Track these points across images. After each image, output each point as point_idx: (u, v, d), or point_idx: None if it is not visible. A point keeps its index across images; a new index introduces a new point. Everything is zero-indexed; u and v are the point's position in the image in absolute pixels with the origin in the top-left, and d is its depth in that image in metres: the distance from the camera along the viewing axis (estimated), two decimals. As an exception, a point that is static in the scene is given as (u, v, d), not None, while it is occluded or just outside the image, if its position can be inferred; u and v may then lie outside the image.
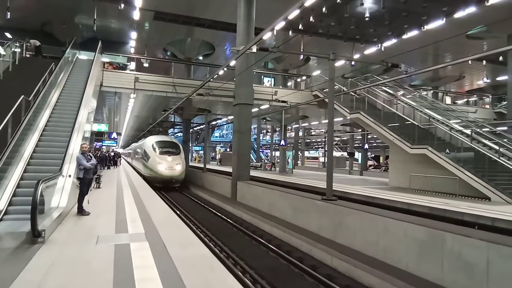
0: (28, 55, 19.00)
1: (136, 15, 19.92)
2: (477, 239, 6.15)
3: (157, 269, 4.43)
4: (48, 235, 5.85)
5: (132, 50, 26.94)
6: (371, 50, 25.38)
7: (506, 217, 8.68)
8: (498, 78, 30.85)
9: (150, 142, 24.92)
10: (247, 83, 17.17)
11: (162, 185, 22.17)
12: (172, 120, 34.90)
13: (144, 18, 21.38)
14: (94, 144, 26.89)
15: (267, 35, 11.22)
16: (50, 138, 10.63)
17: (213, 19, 22.36)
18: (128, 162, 43.13)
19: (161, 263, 4.67)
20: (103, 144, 28.66)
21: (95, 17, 20.57)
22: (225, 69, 17.13)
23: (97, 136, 26.37)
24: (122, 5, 19.14)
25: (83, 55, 21.13)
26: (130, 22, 22.41)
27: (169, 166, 22.40)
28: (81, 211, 7.93)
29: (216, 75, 17.23)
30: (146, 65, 25.92)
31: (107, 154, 29.09)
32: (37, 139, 10.11)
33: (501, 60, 24.38)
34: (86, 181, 8.02)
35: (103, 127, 21.35)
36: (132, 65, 23.65)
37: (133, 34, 24.25)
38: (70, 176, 8.28)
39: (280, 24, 10.20)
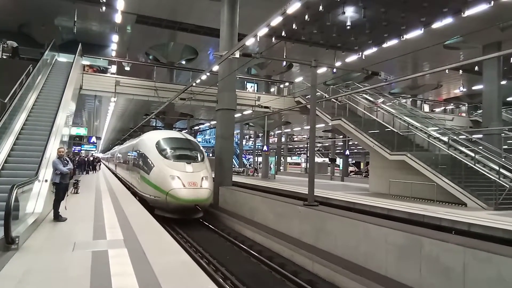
0: (4, 57, 18.48)
1: (118, 18, 19.68)
2: (454, 244, 6.29)
3: (136, 276, 4.33)
4: (22, 241, 5.65)
5: (114, 53, 26.56)
6: (352, 58, 25.86)
7: (482, 222, 8.92)
8: (474, 87, 31.90)
9: (151, 140, 14.92)
10: (230, 89, 17.16)
11: (175, 216, 12.59)
12: (154, 124, 34.52)
13: (126, 21, 21.14)
14: (73, 149, 25.92)
15: (250, 41, 11.29)
16: (26, 141, 10.33)
17: (196, 24, 22.32)
18: (111, 170, 34.72)
19: (140, 270, 4.57)
20: (82, 148, 27.74)
21: (75, 19, 20.22)
22: (208, 74, 17.14)
23: (76, 140, 25.69)
24: (104, 8, 18.88)
25: (63, 58, 20.68)
26: (111, 25, 22.12)
27: (191, 181, 12.51)
28: (57, 217, 7.70)
29: (199, 80, 17.19)
30: (127, 68, 25.60)
31: (85, 159, 28.41)
32: (12, 142, 9.81)
33: (476, 70, 25.25)
34: (62, 186, 7.80)
35: (82, 131, 20.90)
36: (113, 68, 23.29)
37: (115, 37, 23.94)
38: (46, 181, 8.05)
39: (263, 31, 10.28)
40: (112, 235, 6.55)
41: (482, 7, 17.37)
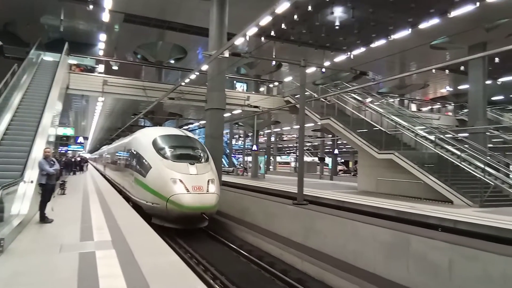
0: (-11, 56, 18.12)
1: (105, 17, 19.44)
2: (440, 241, 6.40)
3: (124, 277, 4.29)
4: (8, 244, 5.55)
5: (101, 53, 26.24)
6: (341, 57, 26.05)
7: (467, 219, 9.08)
8: (460, 87, 32.44)
9: (147, 137, 12.96)
10: (219, 88, 17.12)
11: (176, 226, 10.95)
12: (143, 124, 34.24)
13: (113, 20, 20.90)
14: (59, 149, 25.44)
15: (239, 41, 11.28)
16: (12, 142, 10.15)
17: (185, 23, 22.20)
18: (99, 171, 32.34)
19: (128, 271, 4.53)
20: (69, 148, 27.21)
21: (62, 18, 19.93)
22: (197, 73, 17.07)
23: (63, 140, 25.26)
24: (91, 6, 18.65)
25: (49, 57, 20.36)
26: (99, 24, 21.85)
27: (195, 185, 10.75)
28: (43, 219, 7.58)
29: (188, 79, 17.11)
30: (115, 67, 25.33)
31: (72, 159, 28.02)
32: (-3, 143, 9.60)
33: (462, 70, 25.68)
34: (48, 187, 7.68)
35: (68, 131, 20.57)
36: (101, 68, 23.01)
37: (102, 36, 23.65)
38: (32, 182, 7.91)
39: (253, 30, 10.28)
40: (100, 236, 6.48)
41: (467, 8, 17.67)
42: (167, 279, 4.39)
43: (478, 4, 17.28)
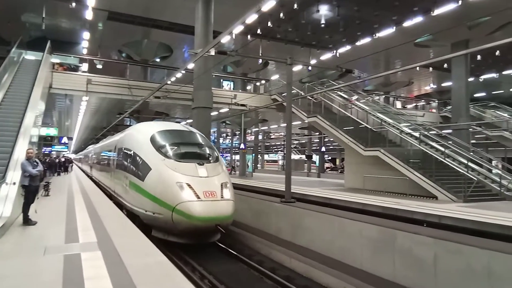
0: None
1: (88, 14, 19.10)
2: (425, 236, 6.51)
3: (110, 279, 4.24)
4: (-11, 247, 5.42)
5: (85, 51, 25.79)
6: (327, 56, 26.20)
7: (452, 214, 9.25)
8: (443, 84, 33.00)
9: (143, 133, 10.99)
10: (206, 87, 17.03)
11: (183, 240, 9.04)
12: (128, 123, 33.86)
13: (97, 18, 20.55)
14: (43, 150, 24.88)
15: (225, 39, 11.23)
16: (-8, 143, 9.88)
17: (170, 21, 21.99)
18: (85, 173, 29.27)
19: (114, 273, 4.47)
20: (53, 149, 26.63)
21: (43, 16, 19.46)
22: (183, 72, 16.93)
23: (46, 140, 24.73)
24: (74, 4, 18.30)
25: (31, 55, 19.93)
26: (82, 22, 21.45)
27: (207, 191, 8.89)
28: (27, 221, 7.42)
29: (174, 78, 16.97)
30: (99, 66, 24.93)
31: (56, 160, 27.51)
32: (-23, 144, 9.36)
33: (445, 67, 26.12)
34: (32, 189, 7.52)
35: (52, 131, 20.16)
36: (85, 67, 22.63)
37: (86, 34, 23.23)
38: (14, 183, 7.74)
39: (239, 28, 10.27)
40: (85, 238, 6.38)
41: (450, 6, 17.97)
42: (155, 279, 4.35)
43: (460, 2, 17.60)
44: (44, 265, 4.85)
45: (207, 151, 10.46)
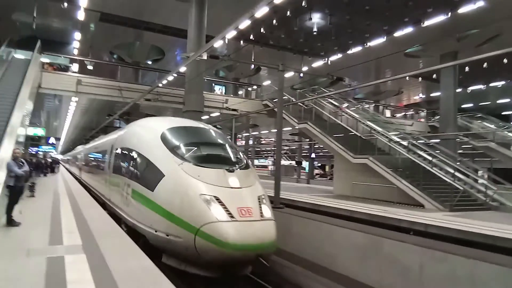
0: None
1: (80, 15, 18.98)
2: (411, 244, 6.57)
3: (94, 283, 4.17)
4: (-30, 249, 5.29)
5: (76, 52, 25.58)
6: (318, 63, 26.43)
7: (438, 223, 9.35)
8: (432, 94, 33.52)
9: (151, 130, 8.82)
10: (198, 90, 17.01)
11: (210, 274, 6.58)
12: (118, 125, 33.54)
13: (89, 19, 20.44)
14: (29, 150, 24.47)
15: (218, 43, 11.25)
16: (-23, 142, 9.68)
17: (163, 24, 21.97)
18: (74, 176, 26.23)
19: (98, 276, 4.40)
20: (40, 149, 26.21)
21: (34, 15, 19.27)
22: (175, 75, 16.90)
23: (34, 140, 24.35)
24: (66, 4, 18.17)
25: (20, 54, 19.67)
26: (74, 22, 21.30)
27: (242, 207, 6.56)
28: (10, 222, 7.27)
29: (166, 81, 16.91)
30: (90, 67, 24.73)
31: (43, 161, 27.06)
32: (-39, 143, 9.15)
33: (434, 78, 26.55)
34: (16, 189, 7.38)
35: (39, 131, 19.85)
36: (75, 67, 22.42)
37: (77, 35, 23.06)
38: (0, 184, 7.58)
39: (232, 33, 10.32)
40: (70, 240, 6.28)
41: (440, 18, 18.33)
42: (140, 284, 4.29)
43: (449, 14, 17.96)
44: (26, 268, 4.75)
45: (234, 155, 8.11)
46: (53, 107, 25.91)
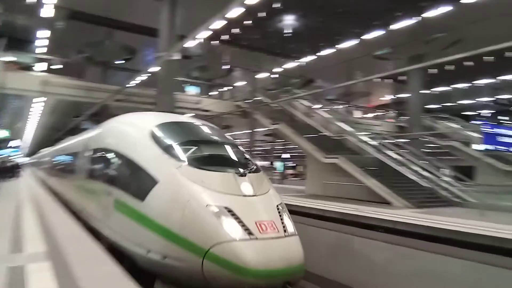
0: None
1: (48, 12, 18.28)
2: (380, 241, 6.77)
3: (58, 291, 4.03)
4: None
5: (42, 50, 24.63)
6: (291, 64, 26.71)
7: (405, 220, 9.65)
8: (400, 95, 34.58)
9: (138, 128, 7.04)
10: (170, 91, 16.79)
11: None
12: (86, 127, 32.58)
13: (57, 17, 19.73)
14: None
15: (190, 43, 11.18)
16: None
17: (135, 22, 21.56)
18: (42, 180, 22.67)
19: (63, 285, 4.26)
20: (2, 152, 25.09)
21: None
22: (146, 75, 16.63)
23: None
24: (33, 0, 17.48)
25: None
26: (41, 20, 20.50)
27: (261, 221, 5.07)
28: (-32, 230, 6.91)
29: (137, 81, 16.61)
30: (57, 66, 23.90)
31: (6, 164, 25.87)
32: None
33: (402, 80, 27.40)
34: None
35: (2, 133, 19.04)
36: (41, 66, 21.60)
37: (44, 33, 22.20)
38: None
39: (204, 34, 10.28)
40: (33, 248, 6.04)
41: (408, 22, 18.98)
42: (106, 290, 4.18)
43: (417, 19, 18.64)
44: (-16, 278, 4.53)
45: (241, 154, 6.81)
46: (17, 108, 24.87)
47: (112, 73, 27.75)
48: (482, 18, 16.73)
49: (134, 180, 6.18)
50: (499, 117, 34.38)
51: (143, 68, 21.83)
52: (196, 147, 6.20)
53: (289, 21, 20.58)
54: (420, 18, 18.50)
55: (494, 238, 6.92)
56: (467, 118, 30.88)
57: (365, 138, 16.57)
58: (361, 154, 15.94)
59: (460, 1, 17.10)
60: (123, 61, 27.27)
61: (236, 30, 20.16)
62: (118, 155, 6.97)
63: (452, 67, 20.33)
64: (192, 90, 26.20)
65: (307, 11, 19.43)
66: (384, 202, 13.21)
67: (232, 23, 17.89)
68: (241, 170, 5.86)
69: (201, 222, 5.00)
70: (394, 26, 19.45)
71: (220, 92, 29.90)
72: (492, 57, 17.55)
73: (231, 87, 29.27)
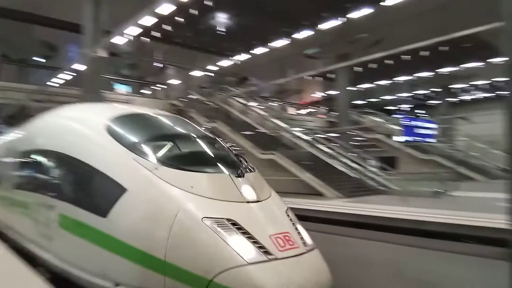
0: None
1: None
2: (315, 232, 7.07)
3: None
4: None
5: None
6: (226, 62, 26.75)
7: (337, 209, 10.20)
8: (330, 92, 36.45)
9: (88, 122, 5.29)
10: (97, 90, 15.83)
11: None
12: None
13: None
14: None
15: (118, 40, 10.66)
16: None
17: (56, 17, 20.00)
18: None
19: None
20: None
21: None
22: (71, 73, 15.53)
23: None
24: None
25: None
26: None
27: (277, 234, 3.82)
28: None
29: (60, 80, 15.44)
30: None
31: None
32: None
33: (331, 77, 28.88)
34: None
35: None
36: None
37: None
38: None
39: (134, 30, 9.87)
40: None
41: (334, 23, 20.06)
42: None
43: (342, 19, 19.78)
44: None
45: (228, 151, 5.51)
46: None
47: (31, 71, 25.44)
48: (399, 20, 18.27)
49: (88, 188, 4.62)
50: (416, 111, 37.77)
51: (67, 66, 20.38)
52: (172, 143, 4.73)
53: (221, 19, 20.58)
54: (345, 19, 19.64)
55: (412, 221, 7.64)
56: (389, 113, 33.44)
57: (299, 134, 17.19)
58: (296, 149, 16.53)
59: (380, 3, 18.47)
60: (44, 59, 25.16)
61: (168, 27, 19.69)
62: (61, 157, 5.18)
63: (375, 65, 21.90)
64: (122, 88, 25.05)
65: (239, 9, 19.61)
66: (318, 194, 13.84)
67: (163, 19, 17.42)
68: (236, 170, 4.58)
69: (197, 241, 3.58)
70: (322, 26, 20.42)
71: (153, 90, 28.98)
72: (409, 56, 19.22)
73: (165, 86, 28.52)
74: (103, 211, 4.11)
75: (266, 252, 3.57)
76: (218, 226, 3.64)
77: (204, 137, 5.37)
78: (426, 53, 19.23)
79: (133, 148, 4.42)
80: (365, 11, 18.80)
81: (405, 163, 22.17)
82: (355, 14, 19.16)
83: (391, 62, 20.72)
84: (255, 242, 3.61)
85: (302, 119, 26.79)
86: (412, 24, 18.11)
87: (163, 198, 3.94)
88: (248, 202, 4.16)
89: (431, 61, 23.05)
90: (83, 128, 5.26)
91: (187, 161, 4.49)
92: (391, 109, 38.51)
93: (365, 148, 20.55)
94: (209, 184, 4.18)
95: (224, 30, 21.31)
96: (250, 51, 24.62)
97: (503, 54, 4.12)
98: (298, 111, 38.74)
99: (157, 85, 28.56)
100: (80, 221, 4.40)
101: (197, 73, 25.09)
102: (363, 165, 15.69)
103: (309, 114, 37.65)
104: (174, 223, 3.67)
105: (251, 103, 20.99)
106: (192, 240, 3.61)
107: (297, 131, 17.55)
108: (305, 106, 41.60)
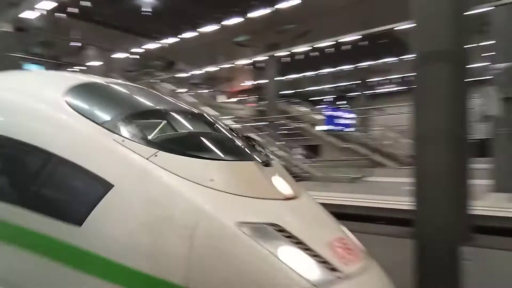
0: None
1: None
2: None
3: None
4: None
5: None
6: (153, 45, 25.58)
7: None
8: (259, 81, 36.99)
9: (39, 97, 3.18)
10: (3, 70, 14.12)
11: None
12: None
13: None
14: None
15: (27, 14, 9.57)
16: None
17: None
18: None
19: None
20: None
21: None
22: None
23: None
24: None
25: None
26: None
27: (335, 241, 2.71)
28: None
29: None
30: None
31: None
32: None
33: (261, 66, 29.29)
34: None
35: None
36: None
37: None
38: None
39: (47, 4, 8.91)
40: None
41: (262, 12, 20.25)
42: None
43: (271, 9, 20.04)
44: None
45: (235, 132, 3.98)
46: None
47: None
48: (325, 12, 19.05)
49: (49, 185, 2.96)
50: (338, 102, 40.09)
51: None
52: (166, 122, 3.19)
53: (147, -1, 19.58)
54: (274, 8, 19.93)
55: (334, 205, 8.18)
56: (314, 103, 35.04)
57: (228, 122, 17.24)
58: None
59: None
60: None
61: (87, 3, 18.17)
62: (3, 143, 3.22)
63: (301, 57, 22.68)
64: (33, 68, 22.59)
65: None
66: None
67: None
68: (260, 156, 3.36)
69: (235, 258, 2.41)
70: (251, 14, 20.49)
71: (73, 71, 26.65)
72: (332, 49, 20.26)
73: (84, 67, 26.38)
74: (76, 217, 2.69)
75: (332, 269, 2.47)
76: (261, 235, 2.44)
77: (198, 114, 4.02)
78: (348, 46, 20.41)
79: (114, 127, 2.87)
80: (293, 1, 19.26)
81: (327, 151, 23.52)
82: (283, 4, 19.54)
83: (316, 54, 21.68)
84: (315, 255, 2.47)
85: (232, 107, 26.81)
86: (336, 18, 19.03)
87: (174, 198, 2.60)
88: (287, 199, 2.99)
89: (352, 55, 24.56)
90: (32, 102, 3.30)
91: (196, 144, 3.11)
92: (316, 100, 40.34)
93: (292, 137, 21.39)
94: (234, 176, 2.88)
95: (150, 11, 20.27)
96: (178, 36, 23.85)
97: (412, 51, 4.59)
98: (228, 99, 38.79)
99: (74, 66, 26.30)
100: (32, 231, 2.80)
101: (120, 55, 23.60)
102: (290, 153, 16.34)
103: (239, 102, 37.86)
104: (196, 233, 2.43)
105: (180, 90, 20.48)
106: (227, 256, 2.41)
107: (227, 119, 17.59)
108: (235, 94, 41.72)
